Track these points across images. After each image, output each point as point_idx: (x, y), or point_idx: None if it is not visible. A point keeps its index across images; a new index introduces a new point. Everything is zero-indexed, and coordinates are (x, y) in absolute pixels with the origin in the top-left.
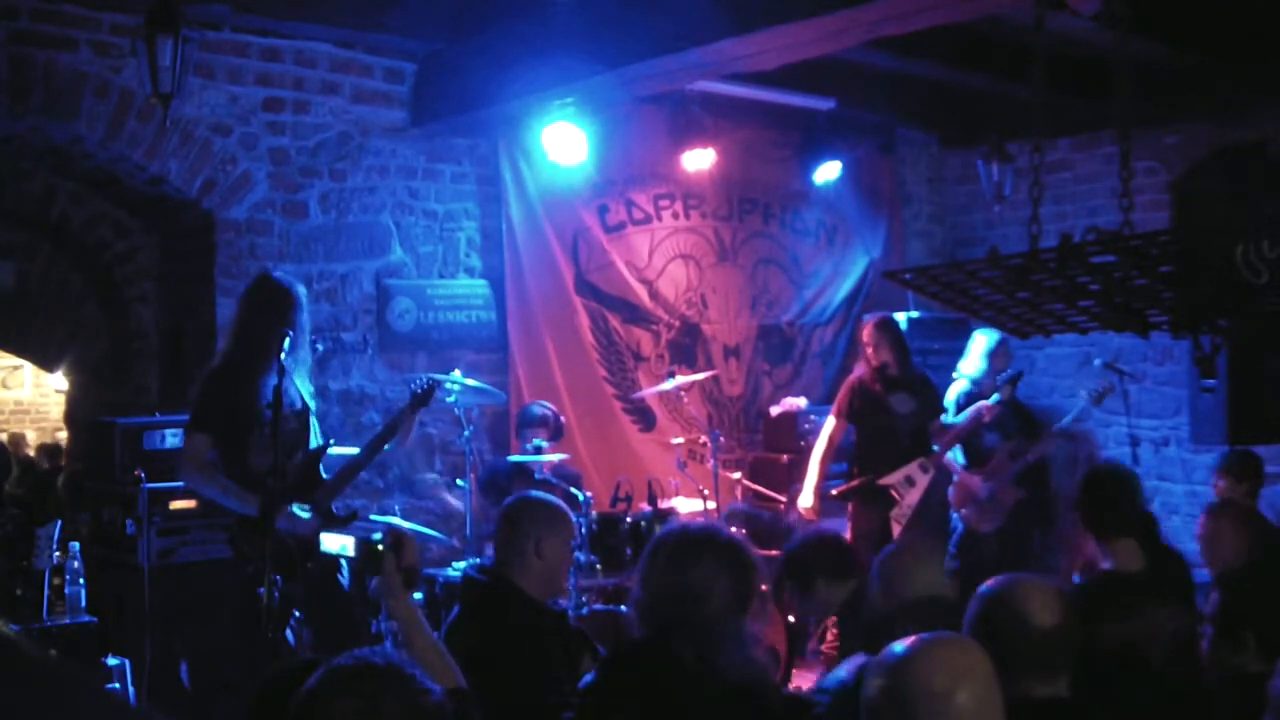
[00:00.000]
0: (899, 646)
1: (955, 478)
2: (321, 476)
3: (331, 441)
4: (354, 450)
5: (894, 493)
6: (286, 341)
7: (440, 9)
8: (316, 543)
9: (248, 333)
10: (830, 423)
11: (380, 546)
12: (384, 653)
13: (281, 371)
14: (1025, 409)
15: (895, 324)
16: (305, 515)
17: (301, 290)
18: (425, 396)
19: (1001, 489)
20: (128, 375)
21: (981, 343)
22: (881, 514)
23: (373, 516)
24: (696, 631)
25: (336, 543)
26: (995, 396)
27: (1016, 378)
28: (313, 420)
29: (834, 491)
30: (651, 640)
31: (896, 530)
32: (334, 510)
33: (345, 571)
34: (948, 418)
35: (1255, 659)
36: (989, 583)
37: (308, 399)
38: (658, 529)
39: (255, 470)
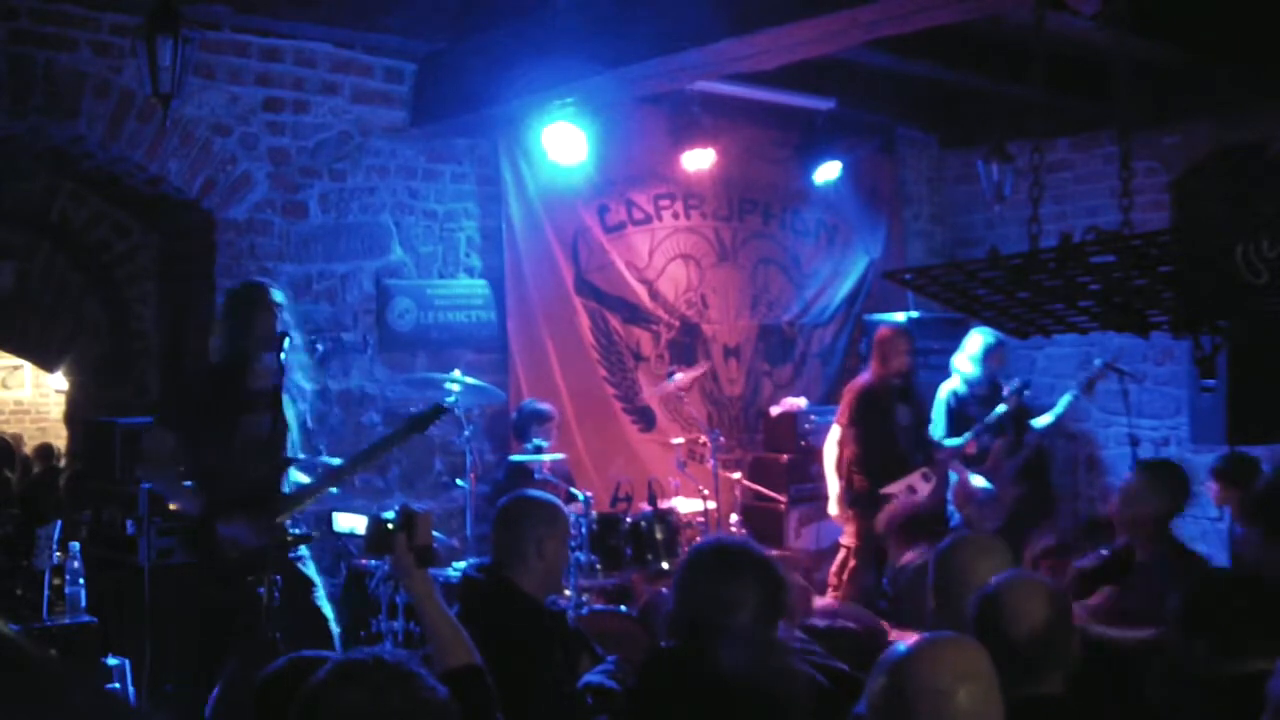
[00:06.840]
0: (901, 645)
1: (955, 477)
2: (280, 491)
3: (300, 457)
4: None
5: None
6: (287, 341)
7: (440, 9)
8: (262, 559)
9: (228, 335)
10: (837, 432)
11: (390, 526)
12: (392, 651)
13: (282, 371)
14: (1025, 408)
15: (912, 334)
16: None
17: (278, 294)
18: (424, 421)
19: (1000, 487)
20: (128, 375)
21: (977, 342)
22: None
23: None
24: (730, 640)
25: (349, 522)
26: (1002, 408)
27: (1023, 388)
28: (292, 429)
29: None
30: (686, 647)
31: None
32: (287, 527)
33: (319, 590)
34: (938, 416)
35: (1222, 660)
36: (986, 582)
37: (288, 407)
38: (658, 529)
39: (206, 468)
